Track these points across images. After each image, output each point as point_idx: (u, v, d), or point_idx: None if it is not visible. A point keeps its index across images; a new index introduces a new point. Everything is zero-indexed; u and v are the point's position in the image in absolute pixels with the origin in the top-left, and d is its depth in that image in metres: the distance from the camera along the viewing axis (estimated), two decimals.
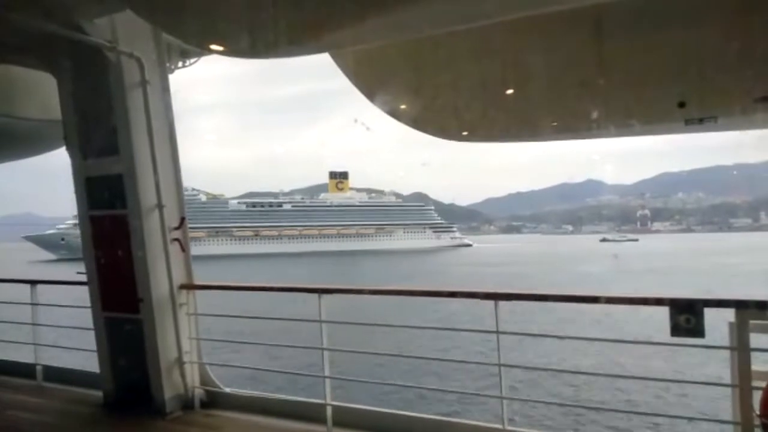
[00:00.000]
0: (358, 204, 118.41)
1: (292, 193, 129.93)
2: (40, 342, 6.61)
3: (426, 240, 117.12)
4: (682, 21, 4.50)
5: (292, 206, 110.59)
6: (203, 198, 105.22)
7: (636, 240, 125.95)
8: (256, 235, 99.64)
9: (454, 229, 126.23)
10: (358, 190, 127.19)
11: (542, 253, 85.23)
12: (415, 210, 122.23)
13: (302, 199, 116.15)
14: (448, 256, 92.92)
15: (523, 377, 14.34)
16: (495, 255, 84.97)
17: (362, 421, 4.90)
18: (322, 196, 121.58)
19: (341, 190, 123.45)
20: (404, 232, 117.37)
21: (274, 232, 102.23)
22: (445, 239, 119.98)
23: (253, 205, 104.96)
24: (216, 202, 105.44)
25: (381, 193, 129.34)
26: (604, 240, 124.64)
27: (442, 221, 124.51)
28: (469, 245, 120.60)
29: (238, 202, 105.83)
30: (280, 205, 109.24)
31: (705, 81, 5.09)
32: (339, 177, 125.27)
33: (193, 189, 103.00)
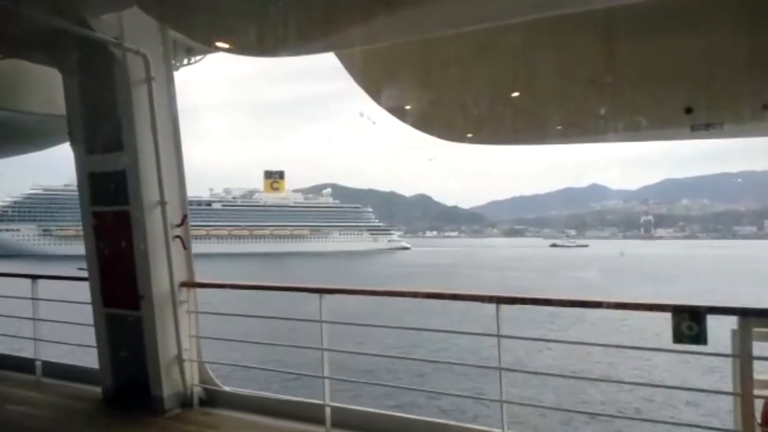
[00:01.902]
0: (293, 205, 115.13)
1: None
2: (40, 337, 6.61)
3: (362, 242, 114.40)
4: (690, 27, 4.48)
5: (222, 205, 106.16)
6: None
7: (586, 246, 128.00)
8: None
9: (392, 231, 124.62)
10: (295, 190, 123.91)
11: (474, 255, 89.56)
12: (352, 212, 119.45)
13: (234, 198, 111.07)
14: (381, 258, 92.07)
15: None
16: (428, 258, 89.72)
17: (361, 422, 4.88)
18: (256, 196, 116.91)
19: (277, 190, 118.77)
20: (340, 234, 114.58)
21: (202, 232, 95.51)
22: (383, 242, 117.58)
23: (198, 203, 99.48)
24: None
25: (318, 194, 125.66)
26: (554, 245, 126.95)
27: (380, 223, 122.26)
28: (406, 248, 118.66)
29: None
30: (209, 204, 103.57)
31: (712, 87, 5.07)
32: (274, 177, 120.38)
33: None
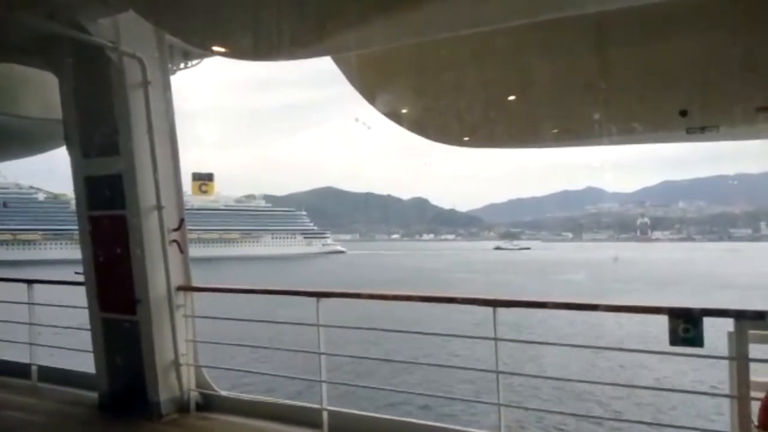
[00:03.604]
0: (222, 208, 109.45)
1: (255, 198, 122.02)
2: (36, 342, 6.59)
3: (296, 246, 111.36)
4: (684, 30, 4.50)
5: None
6: (41, 197, 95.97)
7: (528, 249, 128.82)
8: None
9: (327, 235, 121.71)
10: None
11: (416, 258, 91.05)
12: (285, 215, 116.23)
13: None
14: (314, 262, 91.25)
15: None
16: (360, 260, 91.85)
17: (358, 426, 4.88)
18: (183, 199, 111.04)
19: (206, 192, 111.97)
20: (272, 238, 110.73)
21: None
22: (317, 246, 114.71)
23: None
24: (56, 202, 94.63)
25: (251, 197, 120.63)
26: (497, 248, 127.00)
27: (314, 227, 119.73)
28: (341, 252, 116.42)
29: None
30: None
31: (707, 90, 5.09)
32: (203, 179, 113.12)
33: (30, 187, 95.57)
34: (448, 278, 55.02)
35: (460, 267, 69.77)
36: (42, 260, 73.43)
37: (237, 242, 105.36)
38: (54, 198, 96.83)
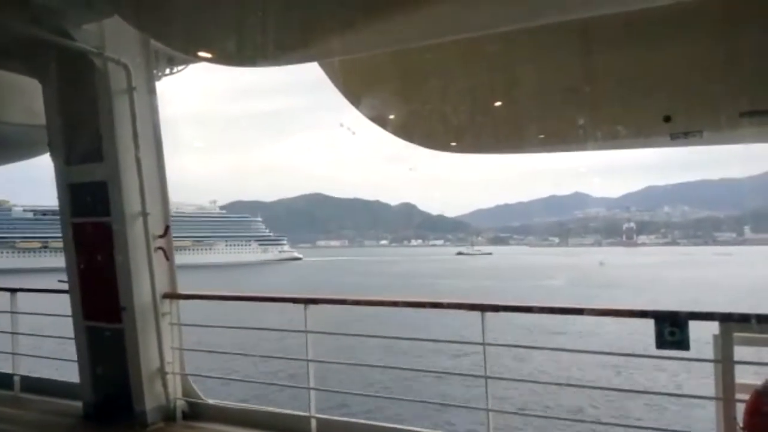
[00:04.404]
0: (174, 214, 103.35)
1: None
2: (18, 352, 6.49)
3: (251, 253, 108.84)
4: (666, 36, 4.55)
5: None
6: None
7: (490, 254, 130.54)
8: (45, 247, 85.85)
9: (284, 242, 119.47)
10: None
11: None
12: (239, 222, 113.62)
13: None
14: (265, 269, 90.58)
15: None
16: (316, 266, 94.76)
17: None
18: None
19: None
20: (226, 246, 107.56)
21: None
22: (273, 252, 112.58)
23: (44, 213, 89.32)
24: None
25: (202, 207, 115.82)
26: (459, 253, 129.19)
27: (270, 233, 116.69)
28: (298, 258, 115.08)
29: (24, 210, 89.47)
30: None
31: (690, 95, 5.14)
32: None
33: None
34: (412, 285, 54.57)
35: (435, 273, 69.71)
36: None
37: (189, 250, 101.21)
38: None
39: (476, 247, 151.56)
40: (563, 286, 50.97)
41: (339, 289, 49.85)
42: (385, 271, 76.48)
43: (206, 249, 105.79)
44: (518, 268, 78.40)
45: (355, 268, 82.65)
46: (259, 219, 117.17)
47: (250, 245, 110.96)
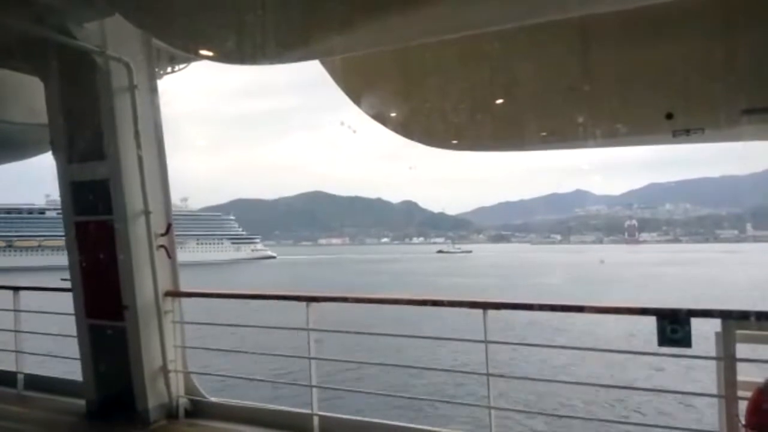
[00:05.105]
0: None
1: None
2: (22, 350, 6.50)
3: (223, 252, 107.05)
4: (669, 33, 4.54)
5: (58, 213, 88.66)
6: None
7: (470, 252, 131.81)
8: (10, 246, 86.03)
9: (257, 240, 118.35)
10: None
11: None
12: (211, 220, 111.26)
13: None
14: (233, 269, 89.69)
15: None
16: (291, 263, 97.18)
17: (349, 431, 4.86)
18: None
19: None
20: (197, 244, 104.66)
21: (33, 243, 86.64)
22: (246, 251, 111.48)
23: (8, 211, 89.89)
24: None
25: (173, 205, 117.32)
26: (440, 252, 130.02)
27: (243, 232, 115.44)
28: (272, 257, 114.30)
29: None
30: (42, 212, 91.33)
31: (692, 92, 5.13)
32: None
33: None
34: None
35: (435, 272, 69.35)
36: None
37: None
38: None
39: (456, 245, 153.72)
40: (560, 283, 50.73)
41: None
42: (368, 270, 76.12)
43: (177, 248, 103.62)
44: (512, 266, 78.29)
45: (324, 267, 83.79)
46: (232, 217, 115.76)
47: (222, 244, 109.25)
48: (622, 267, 68.96)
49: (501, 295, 40.05)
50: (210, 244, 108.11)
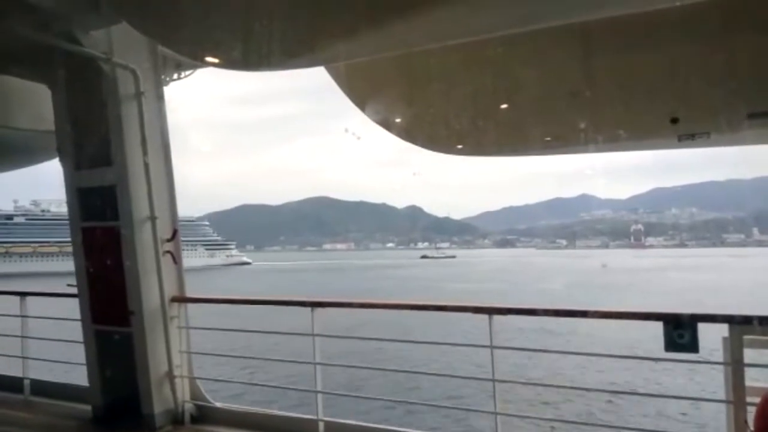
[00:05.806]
0: None
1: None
2: (28, 355, 6.53)
3: (197, 258, 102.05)
4: (671, 37, 4.54)
5: (27, 219, 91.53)
6: None
7: (453, 257, 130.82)
8: None
9: (232, 246, 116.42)
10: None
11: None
12: (184, 226, 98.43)
13: (43, 212, 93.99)
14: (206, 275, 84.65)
15: None
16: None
17: None
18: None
19: None
20: None
21: (1, 250, 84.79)
22: (220, 257, 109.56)
23: None
24: None
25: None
26: (424, 257, 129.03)
27: (218, 238, 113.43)
28: (248, 263, 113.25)
29: None
30: (10, 217, 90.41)
31: (698, 97, 5.13)
32: None
33: None
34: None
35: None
36: None
37: None
38: None
39: (441, 250, 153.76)
40: (560, 289, 50.32)
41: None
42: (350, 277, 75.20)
43: None
44: (516, 272, 77.48)
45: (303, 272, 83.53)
46: (206, 223, 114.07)
47: (196, 250, 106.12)
48: (640, 272, 67.38)
49: (506, 300, 39.94)
50: (184, 249, 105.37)
